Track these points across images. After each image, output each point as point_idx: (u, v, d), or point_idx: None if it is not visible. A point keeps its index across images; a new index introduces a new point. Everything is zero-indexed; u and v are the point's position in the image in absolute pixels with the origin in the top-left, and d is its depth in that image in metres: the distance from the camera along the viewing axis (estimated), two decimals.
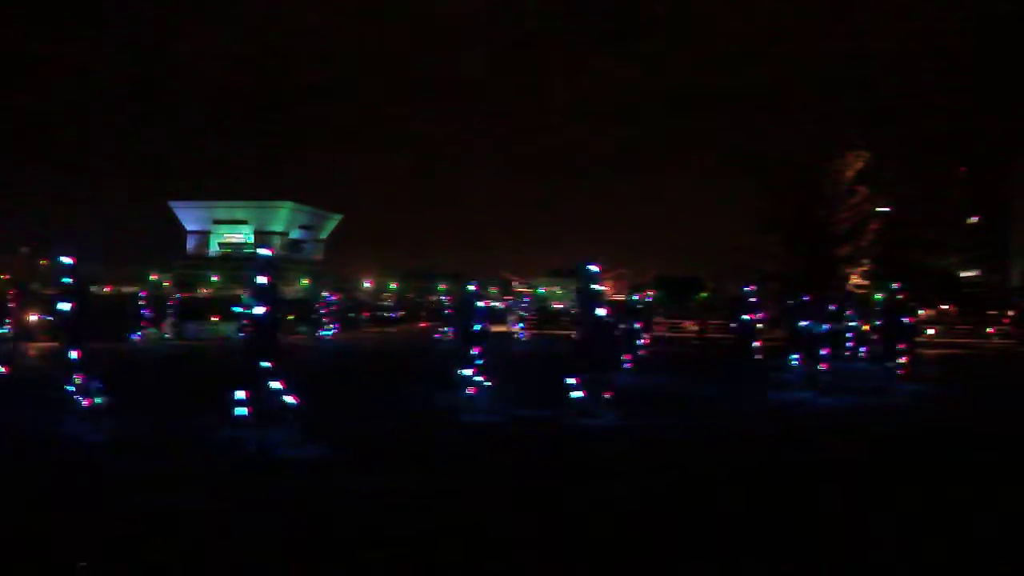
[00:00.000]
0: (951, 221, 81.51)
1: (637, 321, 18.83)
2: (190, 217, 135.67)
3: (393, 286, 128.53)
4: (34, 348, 25.19)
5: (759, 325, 17.69)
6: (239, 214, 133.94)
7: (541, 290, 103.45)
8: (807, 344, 16.54)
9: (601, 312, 13.13)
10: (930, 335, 25.22)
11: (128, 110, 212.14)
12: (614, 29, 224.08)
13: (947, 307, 47.58)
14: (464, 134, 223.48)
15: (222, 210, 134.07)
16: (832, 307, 20.69)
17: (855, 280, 48.42)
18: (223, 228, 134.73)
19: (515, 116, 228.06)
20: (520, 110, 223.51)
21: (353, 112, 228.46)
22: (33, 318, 29.49)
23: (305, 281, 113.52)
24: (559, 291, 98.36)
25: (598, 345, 13.00)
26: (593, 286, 13.20)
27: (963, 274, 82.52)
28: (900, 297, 18.86)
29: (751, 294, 16.95)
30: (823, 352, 16.06)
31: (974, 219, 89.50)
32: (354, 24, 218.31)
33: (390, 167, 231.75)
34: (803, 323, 17.51)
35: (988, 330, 35.91)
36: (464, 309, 15.28)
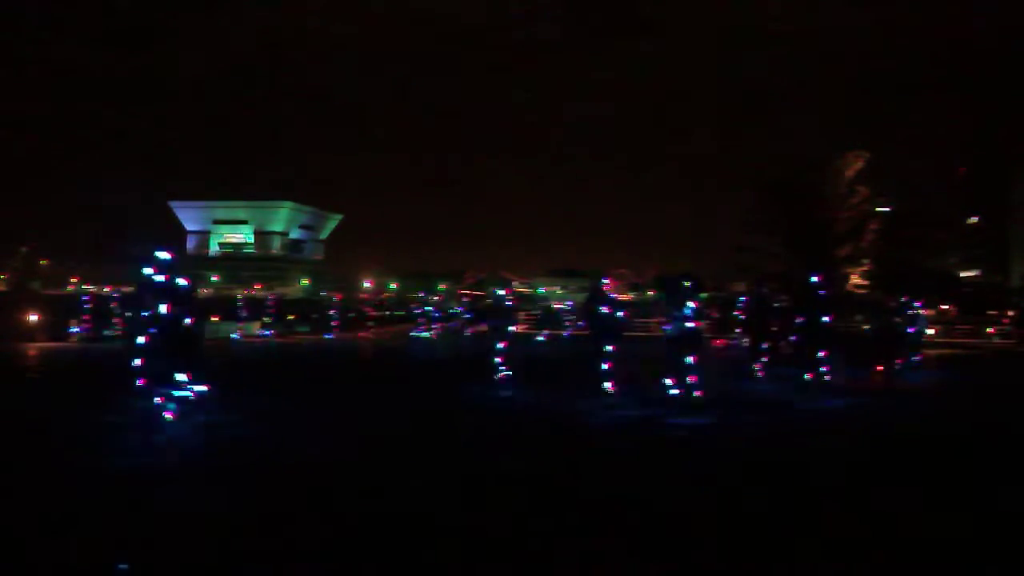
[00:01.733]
0: (951, 221, 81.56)
1: (506, 323, 16.15)
2: (190, 217, 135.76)
3: (393, 286, 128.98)
4: (34, 348, 25.12)
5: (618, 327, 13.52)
6: (239, 214, 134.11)
7: (541, 290, 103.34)
8: (672, 349, 12.94)
9: (163, 310, 9.76)
10: (930, 335, 25.10)
11: (128, 110, 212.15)
12: (613, 28, 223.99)
13: (947, 307, 47.50)
14: (464, 134, 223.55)
15: (222, 210, 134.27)
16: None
17: (855, 280, 48.43)
18: (223, 228, 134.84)
19: (515, 116, 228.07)
20: (520, 110, 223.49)
21: (353, 112, 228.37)
22: (33, 318, 29.46)
23: (305, 281, 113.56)
24: (559, 291, 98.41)
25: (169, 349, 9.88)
26: (158, 278, 9.91)
27: (963, 274, 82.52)
28: (823, 293, 15.06)
29: (602, 289, 13.76)
30: (691, 359, 12.55)
31: (974, 219, 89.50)
32: (354, 24, 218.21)
33: (390, 167, 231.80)
34: (666, 326, 13.47)
35: (988, 330, 35.82)
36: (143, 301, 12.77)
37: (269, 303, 35.48)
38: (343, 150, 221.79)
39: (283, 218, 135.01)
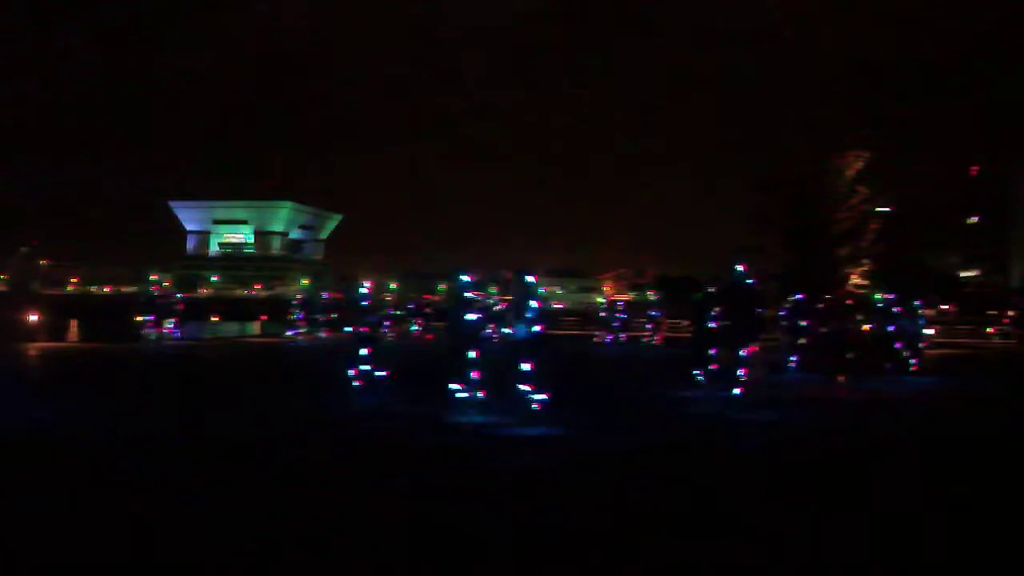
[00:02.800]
0: (951, 221, 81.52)
1: (365, 325, 14.51)
2: (190, 217, 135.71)
3: (393, 286, 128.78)
4: (34, 348, 25.07)
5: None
6: (239, 214, 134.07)
7: (541, 290, 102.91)
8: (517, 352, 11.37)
9: None
10: (931, 335, 24.98)
11: (128, 110, 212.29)
12: (613, 28, 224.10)
13: (947, 307, 47.55)
14: (464, 134, 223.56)
15: (222, 210, 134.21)
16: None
17: (855, 280, 48.39)
18: (223, 228, 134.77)
19: (515, 117, 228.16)
20: (520, 110, 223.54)
21: (353, 113, 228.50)
22: (33, 318, 29.45)
23: (305, 281, 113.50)
24: (559, 291, 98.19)
25: None
26: None
27: (963, 274, 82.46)
28: (751, 282, 13.06)
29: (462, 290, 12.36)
30: (529, 367, 11.03)
31: (974, 219, 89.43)
32: (354, 24, 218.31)
33: (390, 167, 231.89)
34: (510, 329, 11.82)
35: (988, 330, 35.84)
36: None
37: (326, 301, 34.70)
38: (343, 150, 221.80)
39: (283, 218, 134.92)
